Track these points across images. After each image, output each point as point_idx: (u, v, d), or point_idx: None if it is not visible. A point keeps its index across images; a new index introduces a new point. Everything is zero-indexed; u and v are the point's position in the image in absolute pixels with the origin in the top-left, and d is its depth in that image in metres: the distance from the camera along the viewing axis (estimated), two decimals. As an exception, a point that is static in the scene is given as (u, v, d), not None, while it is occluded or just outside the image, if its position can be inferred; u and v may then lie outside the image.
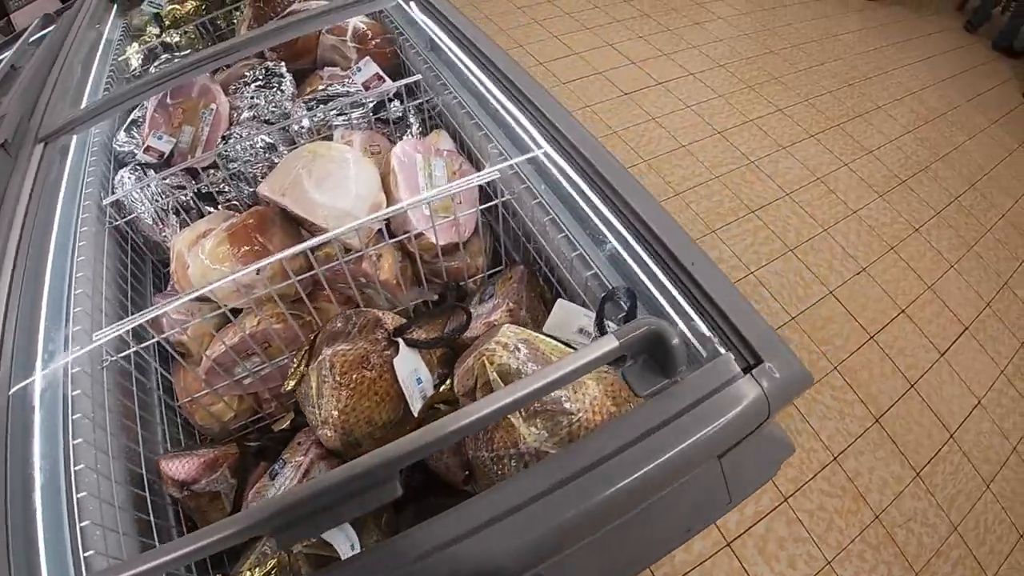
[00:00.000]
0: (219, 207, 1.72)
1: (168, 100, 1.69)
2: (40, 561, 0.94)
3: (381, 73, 1.71)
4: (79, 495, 1.06)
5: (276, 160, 1.72)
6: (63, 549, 1.00)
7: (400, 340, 1.17)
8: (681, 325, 0.89)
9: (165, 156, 1.67)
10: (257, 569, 1.17)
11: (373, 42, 1.87)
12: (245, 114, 1.78)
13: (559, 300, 1.20)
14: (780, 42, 3.98)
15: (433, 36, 1.65)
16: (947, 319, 2.55)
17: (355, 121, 1.73)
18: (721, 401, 0.76)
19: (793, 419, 2.15)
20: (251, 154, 1.67)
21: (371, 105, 1.73)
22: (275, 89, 1.77)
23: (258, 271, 1.33)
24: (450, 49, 1.63)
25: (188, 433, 1.59)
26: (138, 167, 1.65)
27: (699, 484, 0.84)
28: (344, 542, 1.13)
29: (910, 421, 2.25)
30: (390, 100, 1.74)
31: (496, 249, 1.71)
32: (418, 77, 1.68)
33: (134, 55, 2.10)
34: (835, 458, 2.10)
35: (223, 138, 1.66)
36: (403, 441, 0.71)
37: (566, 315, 1.19)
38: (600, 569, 0.78)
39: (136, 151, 1.70)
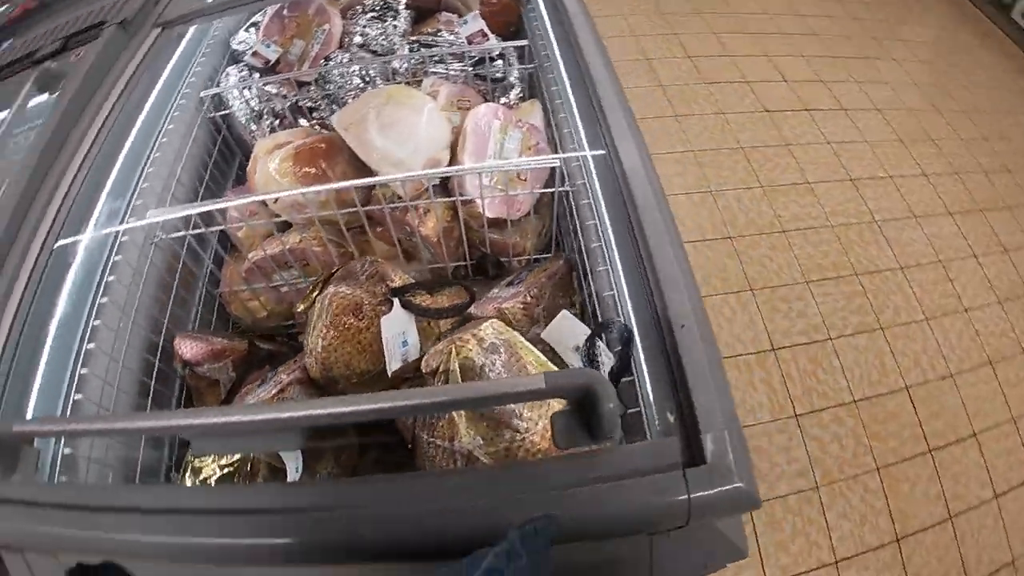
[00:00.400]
0: (308, 123, 1.79)
1: (285, 12, 1.77)
2: (33, 390, 1.05)
3: (486, 30, 1.67)
4: (89, 345, 1.18)
5: (370, 88, 1.75)
6: (58, 386, 1.12)
7: (396, 299, 1.17)
8: (648, 387, 0.80)
9: (270, 64, 1.75)
10: (224, 459, 1.25)
11: None
12: (356, 39, 1.81)
13: (563, 311, 1.14)
14: (949, 103, 3.42)
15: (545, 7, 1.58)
16: (1019, 460, 2.16)
17: (452, 73, 1.71)
18: (642, 486, 0.68)
19: (811, 506, 1.94)
20: (346, 81, 1.71)
21: (472, 60, 1.70)
22: (388, 23, 1.78)
23: (303, 194, 1.37)
24: (562, 24, 1.55)
25: (223, 322, 1.71)
26: (245, 67, 1.75)
27: (622, 554, 0.77)
28: (293, 465, 1.18)
29: (931, 555, 1.95)
30: (492, 59, 1.70)
31: (552, 236, 1.65)
32: (525, 42, 1.62)
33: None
34: (837, 562, 1.88)
35: (326, 59, 1.71)
36: (319, 404, 0.71)
37: (568, 328, 1.12)
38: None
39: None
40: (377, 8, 1.80)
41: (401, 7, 1.81)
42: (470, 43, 1.66)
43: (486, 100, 1.79)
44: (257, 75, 1.75)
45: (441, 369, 0.98)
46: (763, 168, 2.75)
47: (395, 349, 1.17)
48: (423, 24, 1.93)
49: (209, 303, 1.66)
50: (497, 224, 1.54)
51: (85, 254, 1.22)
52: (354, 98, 1.74)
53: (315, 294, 1.35)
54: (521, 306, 1.30)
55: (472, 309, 1.35)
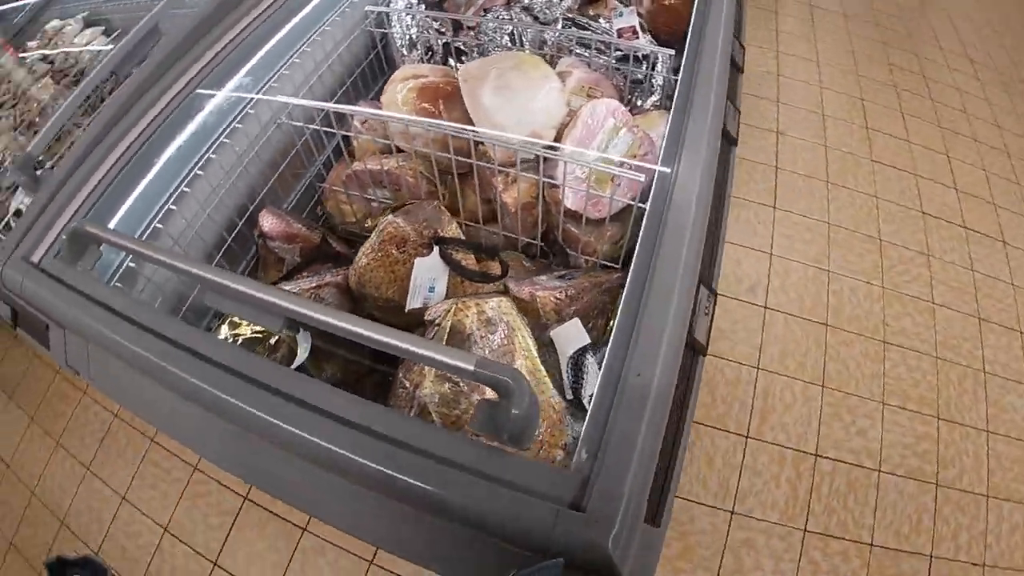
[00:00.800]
0: (453, 65, 1.87)
1: (466, -46, 1.84)
2: (124, 205, 1.24)
3: (638, 29, 1.63)
4: (185, 188, 1.36)
5: (515, 51, 1.79)
6: (148, 211, 1.30)
7: (437, 247, 1.22)
8: (583, 424, 0.77)
9: (439, 1, 1.84)
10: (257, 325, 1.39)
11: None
12: (527, 1, 1.85)
13: (575, 319, 1.12)
14: None
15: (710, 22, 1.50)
16: None
17: (593, 61, 1.69)
18: (516, 499, 0.68)
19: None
20: (498, 36, 1.75)
21: (618, 55, 1.67)
22: (556, -7, 1.80)
23: (407, 125, 1.45)
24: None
25: (315, 214, 1.87)
26: (416, -5, 1.85)
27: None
28: (301, 350, 1.29)
29: None
30: (637, 59, 1.66)
31: (625, 248, 1.62)
32: (671, 51, 1.56)
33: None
34: None
35: (486, 10, 1.77)
36: (304, 304, 0.77)
37: (574, 335, 1.11)
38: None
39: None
40: (551, -25, 1.81)
41: (574, -20, 1.81)
42: (619, 36, 1.63)
43: (621, 98, 1.76)
44: (423, 6, 1.85)
45: (436, 323, 1.02)
46: (893, 269, 2.44)
47: (420, 290, 1.22)
48: (593, 4, 1.91)
49: (310, 193, 1.82)
50: (575, 217, 1.53)
51: (213, 110, 1.39)
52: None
53: (385, 216, 1.44)
54: (554, 300, 1.30)
55: (511, 285, 1.37)
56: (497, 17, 1.78)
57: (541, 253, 1.67)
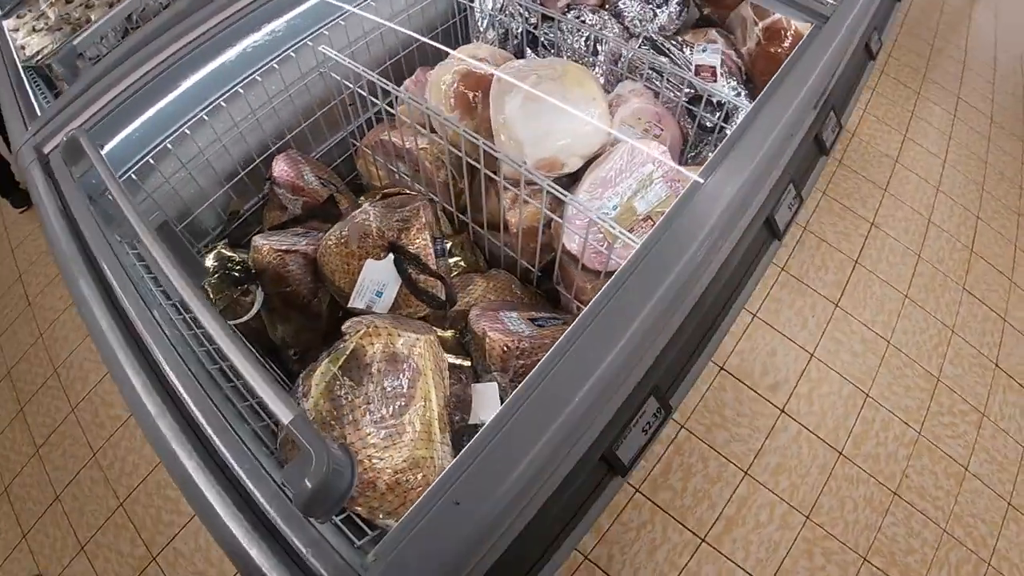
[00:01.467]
0: (530, 57, 1.75)
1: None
2: (138, 120, 1.27)
3: (718, 71, 1.41)
4: (204, 115, 1.38)
5: (586, 59, 1.64)
6: (156, 132, 1.33)
7: (392, 252, 1.16)
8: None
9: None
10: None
11: (773, 46, 1.52)
12: (619, 5, 1.67)
13: (494, 383, 1.04)
14: None
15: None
16: None
17: (663, 92, 1.51)
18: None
19: None
20: (573, 38, 1.61)
21: (689, 94, 1.48)
22: (652, 6, 1.61)
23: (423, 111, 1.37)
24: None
25: (348, 168, 1.85)
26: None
27: None
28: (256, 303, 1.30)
29: None
30: (712, 104, 1.46)
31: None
32: (747, 104, 1.35)
33: None
34: None
35: (569, 7, 1.62)
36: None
37: (487, 400, 1.03)
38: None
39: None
40: (657, -10, 1.62)
41: (675, 2, 1.60)
42: (696, 74, 1.43)
43: (684, 142, 1.57)
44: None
45: (345, 338, 0.97)
46: (937, 417, 2.06)
47: (366, 292, 1.17)
48: (694, 31, 1.70)
49: (343, 147, 1.80)
50: (575, 258, 1.41)
51: (249, 47, 1.38)
52: (574, 56, 1.65)
53: (366, 198, 1.40)
54: (503, 346, 1.20)
55: (473, 313, 1.29)
56: (579, 17, 1.62)
57: (537, 282, 1.57)
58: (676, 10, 1.61)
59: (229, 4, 1.35)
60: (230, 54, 1.37)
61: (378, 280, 1.16)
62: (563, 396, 0.77)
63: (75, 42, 1.42)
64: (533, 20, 1.72)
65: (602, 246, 1.31)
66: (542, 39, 1.71)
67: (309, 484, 0.64)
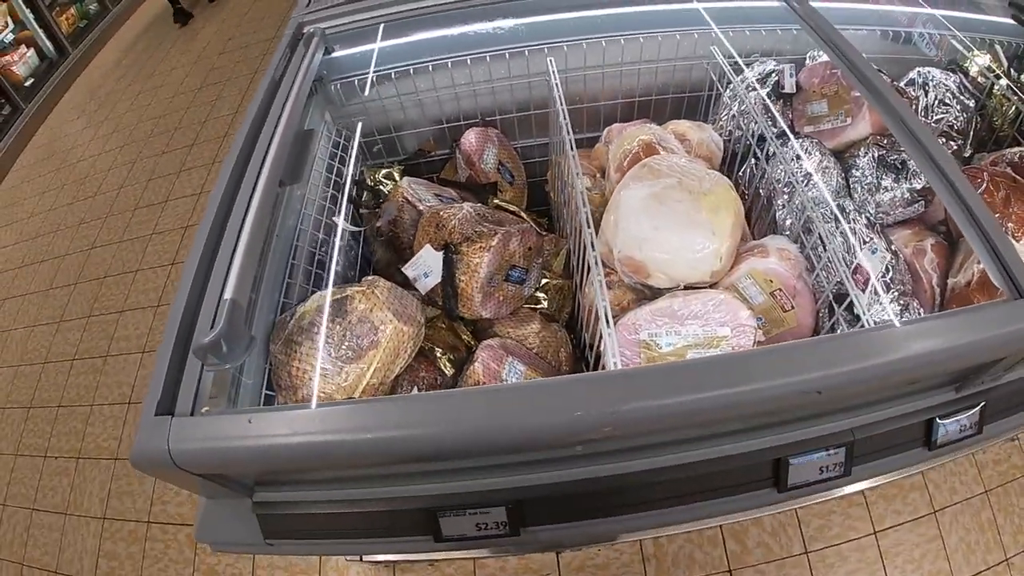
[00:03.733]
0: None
1: (834, 72, 1.49)
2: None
3: (874, 281, 1.17)
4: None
5: (779, 194, 1.49)
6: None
7: (444, 251, 1.31)
8: None
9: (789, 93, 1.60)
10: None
11: (982, 295, 1.19)
12: (854, 160, 1.46)
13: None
14: None
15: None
16: None
17: (818, 270, 1.32)
18: None
19: None
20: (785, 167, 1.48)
21: (840, 285, 1.27)
22: (887, 178, 1.37)
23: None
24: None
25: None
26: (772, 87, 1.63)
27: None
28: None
29: None
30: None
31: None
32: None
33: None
34: None
35: (787, 135, 1.46)
36: None
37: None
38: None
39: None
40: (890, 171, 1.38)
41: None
42: (852, 272, 1.21)
43: (815, 327, 1.35)
44: (773, 101, 1.62)
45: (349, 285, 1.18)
46: None
47: (418, 267, 1.36)
48: (917, 228, 1.40)
49: (545, 150, 1.96)
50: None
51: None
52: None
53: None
54: (475, 381, 1.30)
55: (488, 341, 1.40)
56: (803, 150, 1.47)
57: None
58: (907, 196, 1.34)
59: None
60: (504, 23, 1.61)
61: (428, 264, 1.33)
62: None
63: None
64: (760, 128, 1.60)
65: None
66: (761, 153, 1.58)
67: (204, 340, 0.86)
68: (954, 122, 1.75)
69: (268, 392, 1.18)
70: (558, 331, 1.56)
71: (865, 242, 1.28)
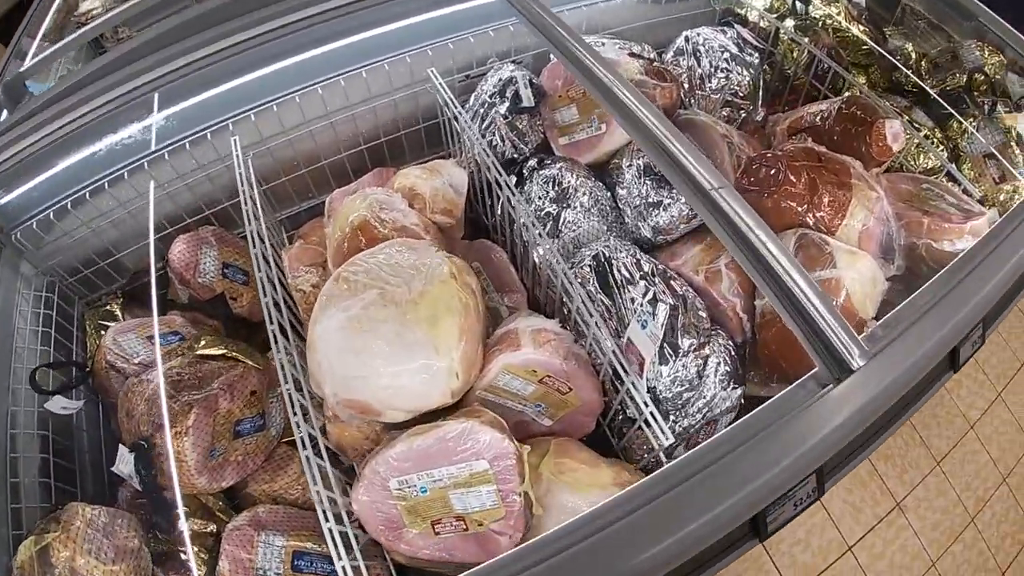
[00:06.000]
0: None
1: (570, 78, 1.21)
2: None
3: (648, 363, 0.90)
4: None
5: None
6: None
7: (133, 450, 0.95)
8: None
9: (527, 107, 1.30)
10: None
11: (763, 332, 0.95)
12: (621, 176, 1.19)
13: None
14: None
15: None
16: None
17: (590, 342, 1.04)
18: None
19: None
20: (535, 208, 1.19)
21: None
22: (660, 193, 1.10)
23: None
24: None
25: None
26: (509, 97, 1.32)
27: None
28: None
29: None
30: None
31: None
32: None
33: None
34: None
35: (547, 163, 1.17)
36: None
37: None
38: None
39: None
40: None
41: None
42: (624, 351, 0.94)
43: (605, 413, 1.08)
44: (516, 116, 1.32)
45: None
46: None
47: (124, 466, 1.08)
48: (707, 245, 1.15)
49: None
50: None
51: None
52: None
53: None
54: None
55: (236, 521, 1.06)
56: (553, 180, 1.18)
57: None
58: (687, 212, 1.09)
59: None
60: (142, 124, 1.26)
61: (130, 464, 1.00)
62: None
63: (21, 69, 1.36)
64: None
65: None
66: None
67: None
68: (737, 87, 1.52)
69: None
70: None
71: (632, 304, 1.01)
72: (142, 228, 1.42)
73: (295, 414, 0.96)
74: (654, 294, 1.04)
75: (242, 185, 1.20)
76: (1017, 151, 1.70)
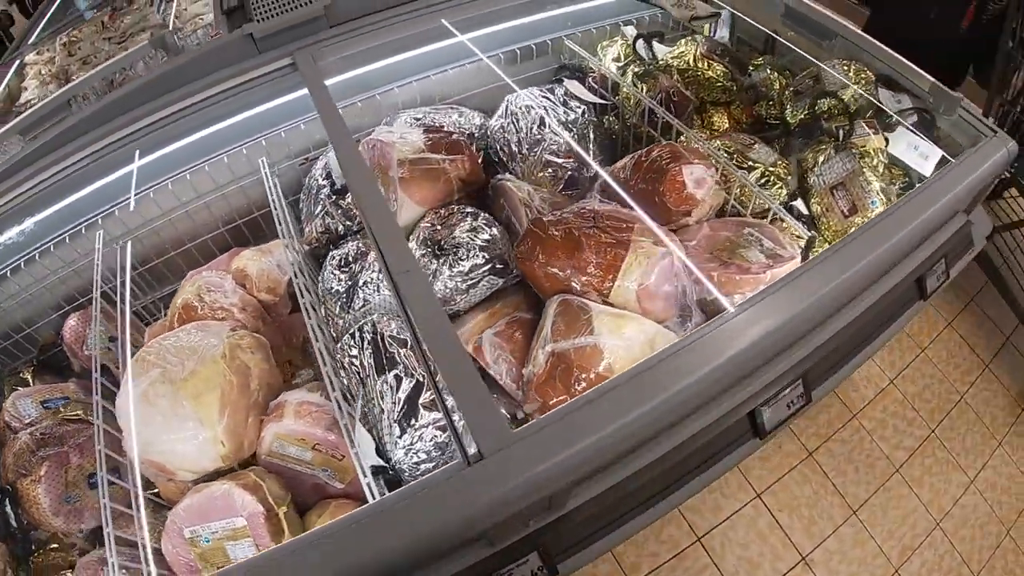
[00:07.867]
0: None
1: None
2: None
3: None
4: None
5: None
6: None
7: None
8: None
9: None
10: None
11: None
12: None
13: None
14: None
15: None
16: None
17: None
18: None
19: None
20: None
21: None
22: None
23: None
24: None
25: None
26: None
27: None
28: None
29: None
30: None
31: None
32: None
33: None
34: None
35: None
36: None
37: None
38: None
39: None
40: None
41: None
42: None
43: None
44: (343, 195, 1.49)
45: None
46: None
47: None
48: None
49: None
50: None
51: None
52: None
53: None
54: None
55: None
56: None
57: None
58: (460, 283, 1.22)
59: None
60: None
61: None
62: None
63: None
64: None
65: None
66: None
67: None
68: (556, 147, 1.60)
69: None
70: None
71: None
72: (46, 307, 1.69)
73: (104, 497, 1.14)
74: (401, 369, 1.18)
75: (97, 275, 1.41)
76: (872, 178, 1.64)
